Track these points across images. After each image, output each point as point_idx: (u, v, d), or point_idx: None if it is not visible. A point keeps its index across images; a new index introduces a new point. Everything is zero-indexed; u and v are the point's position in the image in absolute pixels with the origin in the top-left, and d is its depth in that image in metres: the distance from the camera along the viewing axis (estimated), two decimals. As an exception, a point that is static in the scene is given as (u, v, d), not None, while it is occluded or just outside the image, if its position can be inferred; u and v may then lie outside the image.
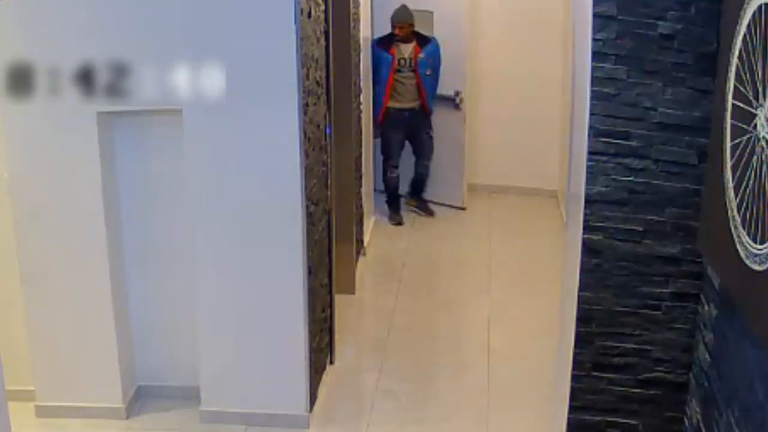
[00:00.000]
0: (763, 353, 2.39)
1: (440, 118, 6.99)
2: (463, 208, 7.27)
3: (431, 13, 6.91)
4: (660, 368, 3.27)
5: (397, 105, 6.67)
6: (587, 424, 3.39)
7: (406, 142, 6.92)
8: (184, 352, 4.17)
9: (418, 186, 7.10)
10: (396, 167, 6.89)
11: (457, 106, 7.01)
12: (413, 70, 6.60)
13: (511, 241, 6.65)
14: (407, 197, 7.16)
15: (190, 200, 3.89)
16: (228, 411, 4.12)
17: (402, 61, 6.56)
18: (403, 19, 6.47)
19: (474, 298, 5.62)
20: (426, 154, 6.91)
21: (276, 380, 4.10)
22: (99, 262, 3.95)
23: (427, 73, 6.61)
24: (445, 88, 6.93)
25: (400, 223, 6.90)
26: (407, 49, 6.55)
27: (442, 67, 6.80)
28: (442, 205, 7.28)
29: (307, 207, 3.97)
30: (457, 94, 6.98)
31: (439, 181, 7.19)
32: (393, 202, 7.03)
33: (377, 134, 6.70)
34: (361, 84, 5.89)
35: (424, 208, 7.14)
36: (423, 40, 6.59)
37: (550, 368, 4.23)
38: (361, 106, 5.96)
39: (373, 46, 6.31)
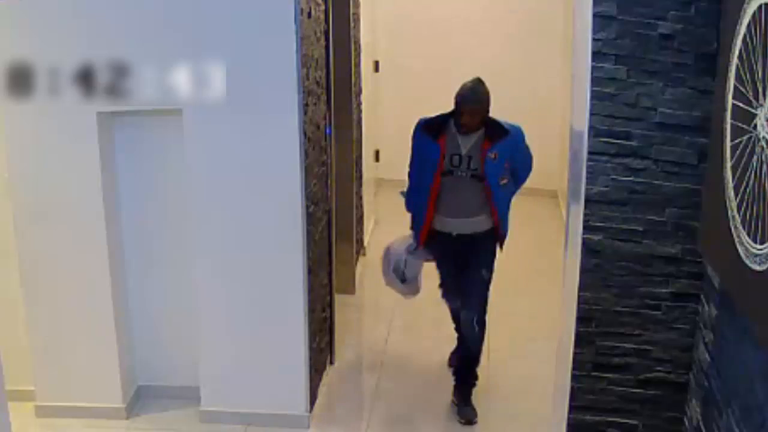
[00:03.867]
0: (763, 353, 2.38)
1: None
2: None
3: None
4: (660, 368, 3.27)
5: (444, 227, 4.18)
6: (587, 424, 3.39)
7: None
8: (184, 352, 4.17)
9: (464, 364, 4.42)
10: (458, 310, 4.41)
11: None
12: (477, 176, 4.06)
13: (511, 241, 6.63)
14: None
15: (190, 200, 3.89)
16: (228, 411, 4.12)
17: (456, 160, 4.05)
18: (473, 103, 4.01)
19: (474, 298, 5.60)
20: (474, 303, 4.27)
21: (276, 380, 4.10)
22: (99, 262, 3.95)
23: (502, 181, 4.11)
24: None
25: (470, 422, 4.23)
26: (468, 142, 4.04)
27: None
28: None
29: (307, 207, 3.97)
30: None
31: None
32: (463, 377, 4.41)
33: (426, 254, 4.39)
34: (362, 84, 5.89)
35: (464, 412, 4.28)
36: (496, 131, 4.06)
37: (550, 368, 4.23)
38: (362, 106, 5.96)
39: (416, 129, 4.17)
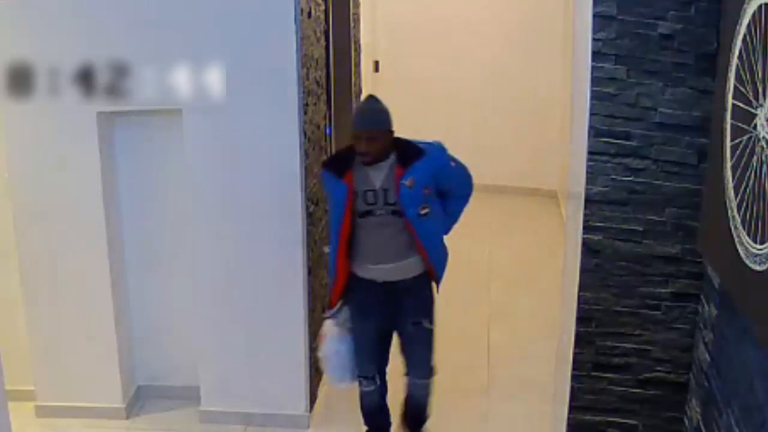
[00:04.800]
0: (763, 353, 2.38)
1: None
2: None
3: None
4: (660, 368, 3.27)
5: (367, 273, 3.53)
6: (587, 424, 3.39)
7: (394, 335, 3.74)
8: (184, 352, 4.17)
9: (412, 415, 3.89)
10: (373, 379, 3.73)
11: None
12: (397, 212, 3.43)
13: (511, 241, 6.65)
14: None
15: (190, 200, 3.88)
16: (228, 411, 4.12)
17: (371, 197, 3.42)
18: (367, 127, 3.36)
19: (474, 297, 5.61)
20: (419, 363, 3.73)
21: (276, 380, 4.10)
22: (99, 262, 3.95)
23: (422, 211, 3.43)
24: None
25: None
26: (380, 174, 3.41)
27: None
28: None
29: (307, 207, 3.97)
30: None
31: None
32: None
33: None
34: (362, 84, 5.89)
35: None
36: (408, 154, 3.42)
37: (550, 368, 4.24)
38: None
39: (321, 168, 3.61)
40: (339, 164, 3.46)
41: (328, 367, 3.70)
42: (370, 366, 3.68)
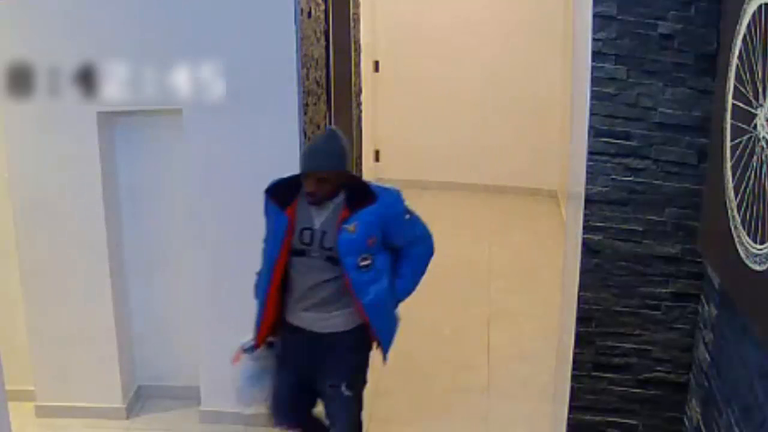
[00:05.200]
0: (763, 353, 2.38)
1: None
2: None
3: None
4: (660, 368, 3.27)
5: (294, 318, 3.18)
6: (587, 424, 3.39)
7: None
8: (184, 352, 4.17)
9: None
10: (297, 425, 3.41)
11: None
12: (333, 258, 3.06)
13: (511, 241, 6.65)
14: None
15: (190, 200, 3.88)
16: (228, 411, 4.11)
17: (307, 236, 3.07)
18: (314, 168, 3.00)
19: (474, 297, 5.61)
20: (338, 429, 3.30)
21: (276, 380, 4.09)
22: (99, 262, 3.95)
23: (363, 262, 3.05)
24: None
25: None
26: (322, 214, 3.07)
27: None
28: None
29: (307, 207, 3.96)
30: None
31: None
32: None
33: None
34: (362, 84, 5.89)
35: None
36: (358, 197, 3.07)
37: (550, 368, 4.24)
38: (361, 106, 5.96)
39: (264, 193, 3.16)
40: (284, 193, 3.09)
41: (238, 389, 3.33)
42: (290, 415, 3.34)
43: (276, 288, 3.13)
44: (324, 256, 3.05)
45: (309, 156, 3.01)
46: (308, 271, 3.09)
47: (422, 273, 3.30)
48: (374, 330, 3.18)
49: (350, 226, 3.01)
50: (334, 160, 3.00)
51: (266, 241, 3.18)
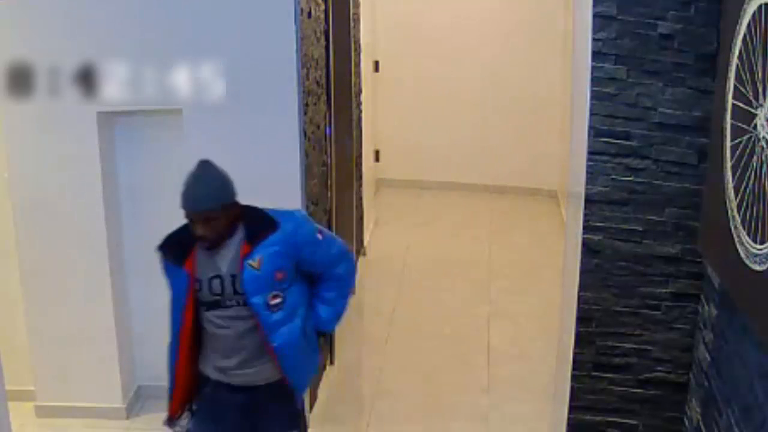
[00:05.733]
0: (763, 353, 2.39)
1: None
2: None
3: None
4: (660, 368, 3.27)
5: (217, 374, 2.87)
6: (587, 424, 3.39)
7: None
8: (184, 352, 4.17)
9: None
10: None
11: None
12: (244, 303, 2.74)
13: (511, 241, 6.65)
14: None
15: (190, 200, 3.88)
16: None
17: (217, 285, 2.74)
18: (199, 206, 2.67)
19: (474, 297, 5.61)
20: None
21: (276, 380, 4.09)
22: (99, 262, 3.95)
23: (273, 301, 2.73)
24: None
25: None
26: (226, 256, 2.74)
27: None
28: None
29: (307, 207, 3.96)
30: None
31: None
32: None
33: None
34: (362, 84, 5.89)
35: None
36: (257, 227, 2.76)
37: (550, 368, 4.24)
38: (361, 106, 5.96)
39: (158, 255, 2.83)
40: (177, 247, 2.75)
41: None
42: None
43: (186, 352, 2.80)
44: (241, 302, 2.72)
45: (185, 197, 2.64)
46: (229, 323, 2.75)
47: (348, 294, 2.97)
48: (287, 376, 2.81)
49: (254, 262, 2.68)
50: (214, 193, 2.64)
51: (170, 305, 2.82)
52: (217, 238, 2.69)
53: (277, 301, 2.72)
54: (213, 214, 2.63)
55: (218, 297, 2.74)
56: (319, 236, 2.84)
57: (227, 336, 2.77)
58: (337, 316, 2.96)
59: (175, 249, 2.77)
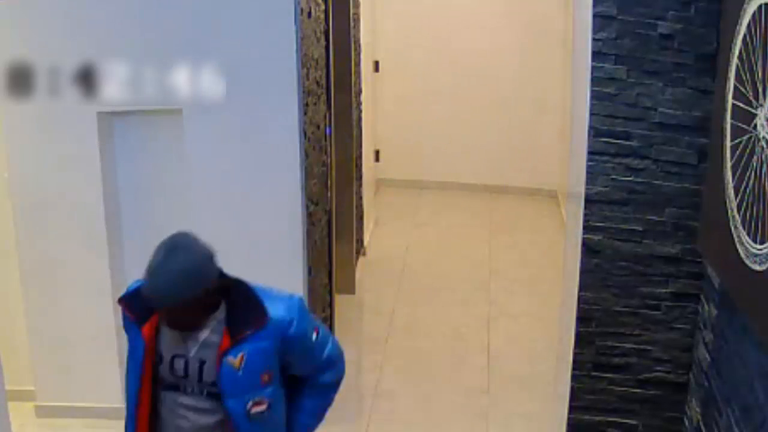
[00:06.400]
0: (763, 353, 2.38)
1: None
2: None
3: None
4: (660, 368, 3.27)
5: None
6: (587, 424, 3.39)
7: None
8: (184, 352, 4.17)
9: None
10: None
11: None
12: (215, 395, 2.24)
13: (511, 241, 6.65)
14: None
15: (190, 200, 3.88)
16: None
17: (180, 366, 2.24)
18: (165, 299, 2.12)
19: (474, 298, 5.61)
20: None
21: (276, 380, 4.09)
22: (99, 262, 3.95)
23: (254, 409, 2.23)
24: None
25: None
26: (196, 337, 2.23)
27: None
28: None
29: (307, 207, 3.97)
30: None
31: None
32: None
33: None
34: (362, 84, 5.89)
35: None
36: (242, 316, 2.24)
37: (550, 368, 4.24)
38: (361, 106, 5.96)
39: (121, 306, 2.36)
40: (142, 304, 2.19)
41: None
42: None
43: (144, 430, 2.30)
44: (205, 392, 2.23)
45: (149, 287, 2.12)
46: (185, 412, 2.25)
47: (329, 406, 2.48)
48: None
49: (234, 359, 2.18)
50: (185, 284, 2.11)
51: (127, 365, 2.32)
52: (187, 326, 2.20)
53: (261, 409, 2.23)
54: (184, 307, 2.12)
55: (179, 379, 2.24)
56: (315, 336, 2.33)
57: (181, 428, 2.26)
58: (314, 428, 2.47)
59: (139, 306, 2.23)
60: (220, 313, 2.22)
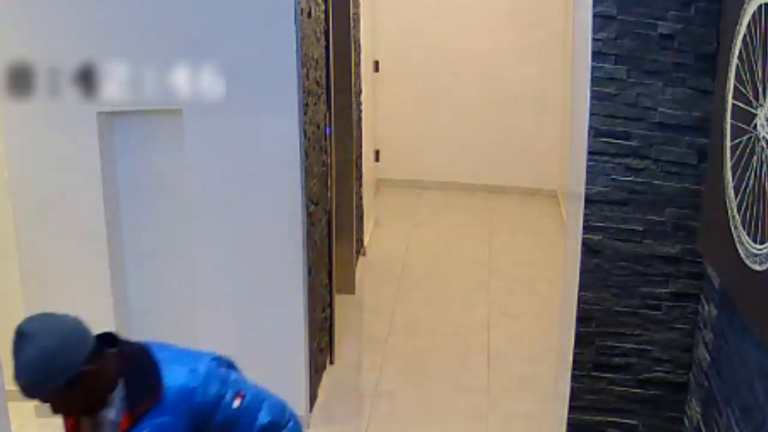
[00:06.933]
0: (763, 353, 2.39)
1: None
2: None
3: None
4: (660, 368, 3.27)
5: None
6: (587, 424, 3.39)
7: None
8: (184, 352, 4.17)
9: None
10: None
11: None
12: None
13: (511, 241, 6.65)
14: None
15: (190, 200, 3.88)
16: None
17: None
18: (33, 388, 1.89)
19: (474, 298, 5.61)
20: None
21: (275, 380, 4.07)
22: (99, 262, 3.95)
23: None
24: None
25: None
26: (103, 419, 2.01)
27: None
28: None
29: (307, 207, 3.97)
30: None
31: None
32: None
33: None
34: (362, 84, 5.89)
35: None
36: (141, 392, 1.99)
37: (550, 368, 4.24)
38: (361, 106, 5.96)
39: None
40: None
41: None
42: None
43: None
44: None
45: (17, 370, 1.89)
46: None
47: None
48: None
49: None
50: (39, 377, 1.87)
51: None
52: (76, 412, 1.98)
53: None
54: (55, 393, 1.89)
55: None
56: (237, 402, 2.06)
57: None
58: None
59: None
60: (121, 392, 1.97)
